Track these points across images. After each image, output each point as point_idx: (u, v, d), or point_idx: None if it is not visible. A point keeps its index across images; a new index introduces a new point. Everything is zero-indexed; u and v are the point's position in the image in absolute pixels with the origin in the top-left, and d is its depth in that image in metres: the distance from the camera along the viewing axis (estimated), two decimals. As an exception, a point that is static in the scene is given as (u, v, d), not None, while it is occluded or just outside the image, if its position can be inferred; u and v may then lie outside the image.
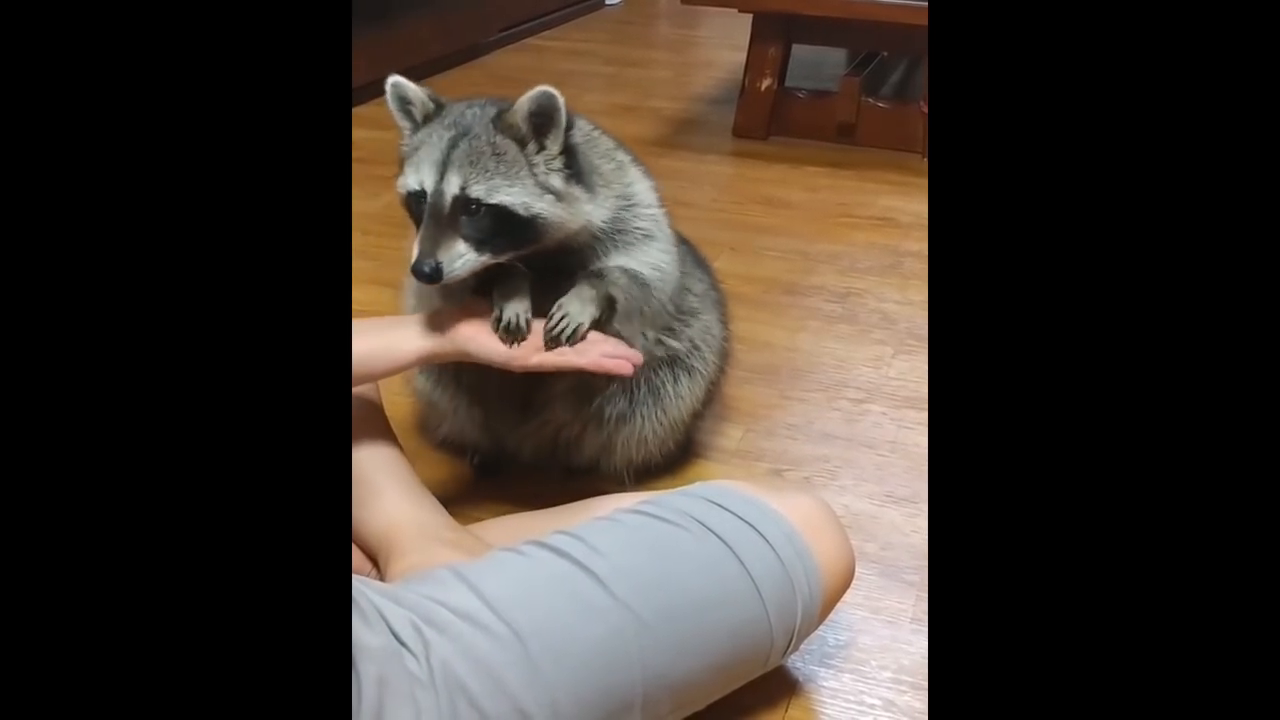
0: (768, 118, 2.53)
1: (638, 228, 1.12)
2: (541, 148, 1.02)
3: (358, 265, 1.57)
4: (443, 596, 0.77)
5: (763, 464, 1.35)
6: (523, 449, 1.27)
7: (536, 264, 1.08)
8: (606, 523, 0.88)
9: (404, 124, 1.06)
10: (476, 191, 0.98)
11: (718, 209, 2.17)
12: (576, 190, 1.04)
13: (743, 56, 2.59)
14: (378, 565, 1.01)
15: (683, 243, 1.28)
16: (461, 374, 1.21)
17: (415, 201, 1.02)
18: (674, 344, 1.22)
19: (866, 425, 1.43)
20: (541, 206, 1.01)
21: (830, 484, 1.30)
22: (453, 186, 0.99)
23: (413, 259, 0.98)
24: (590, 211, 1.06)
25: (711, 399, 1.32)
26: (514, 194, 1.00)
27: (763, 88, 2.51)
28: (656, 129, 2.63)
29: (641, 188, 1.14)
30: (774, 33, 2.47)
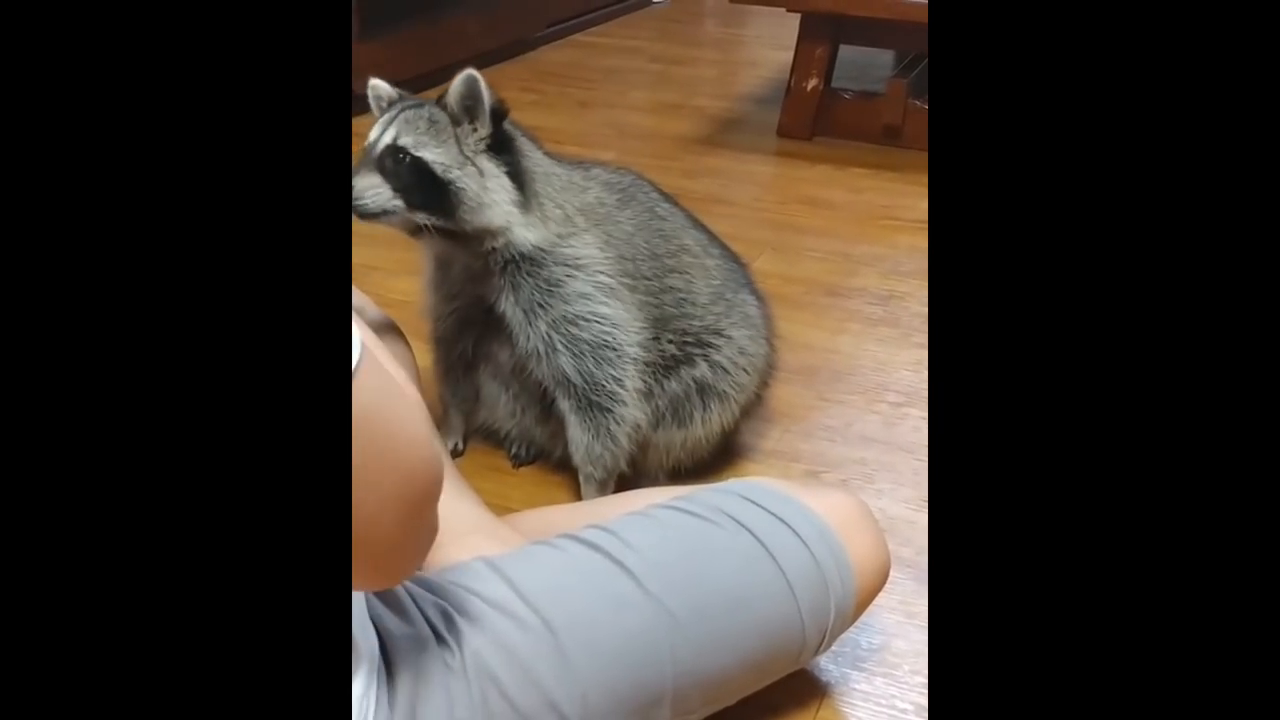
0: (813, 118, 2.51)
1: (574, 288, 1.13)
2: (474, 129, 1.09)
3: (397, 256, 1.58)
4: (476, 586, 0.77)
5: (799, 465, 1.34)
6: (554, 448, 1.28)
7: (476, 320, 1.20)
8: (640, 517, 0.87)
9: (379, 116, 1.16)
10: (405, 141, 1.08)
11: (760, 208, 2.16)
12: (505, 183, 1.10)
13: (789, 56, 2.58)
14: (412, 554, 1.02)
15: (719, 256, 1.28)
16: (475, 364, 1.26)
17: None
18: (699, 372, 1.22)
19: (906, 429, 1.42)
20: (459, 174, 1.08)
21: (867, 487, 1.29)
22: (387, 137, 1.08)
23: None
24: (513, 216, 1.10)
25: (750, 413, 1.32)
26: (437, 153, 1.08)
27: (809, 88, 2.49)
28: (700, 127, 2.63)
29: (588, 252, 1.14)
30: (822, 33, 2.46)
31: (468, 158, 1.08)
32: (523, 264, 1.12)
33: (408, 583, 0.76)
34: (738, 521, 0.86)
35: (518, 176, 1.11)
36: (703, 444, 1.25)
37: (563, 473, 1.29)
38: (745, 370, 1.25)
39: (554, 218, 1.13)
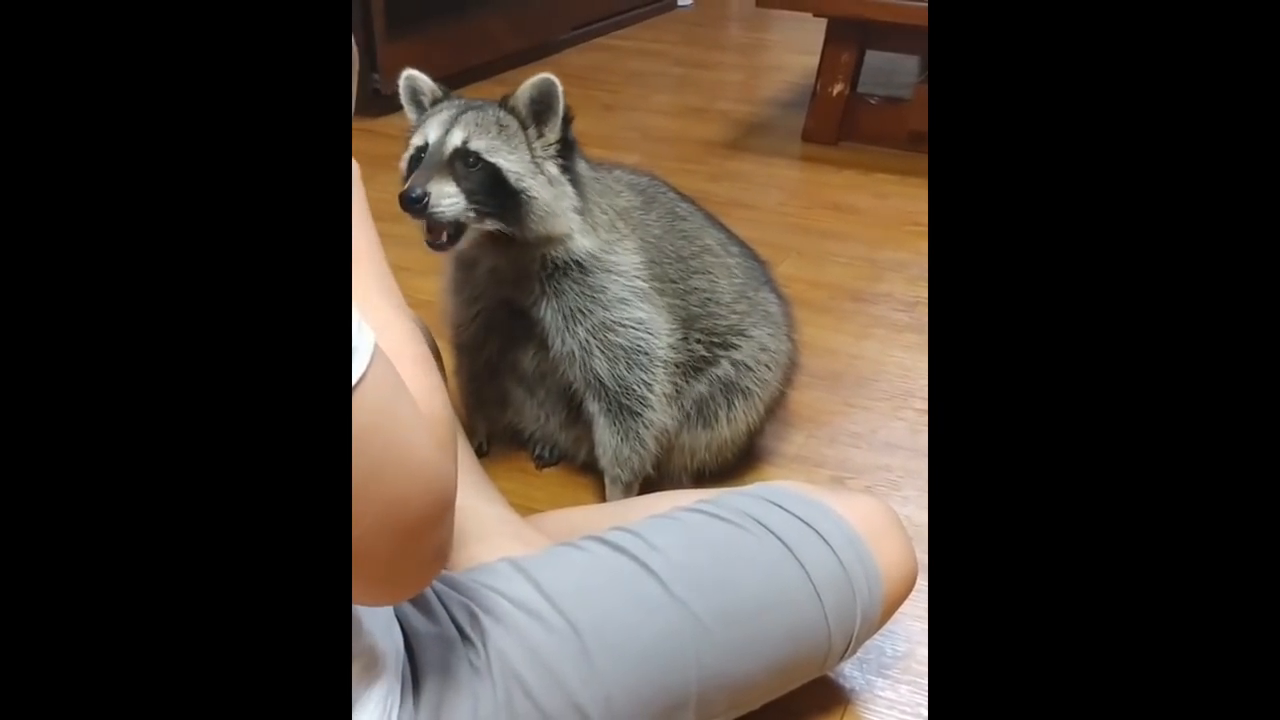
0: (838, 123, 2.50)
1: (614, 294, 1.12)
2: (540, 135, 1.07)
3: (423, 256, 1.58)
4: (501, 587, 0.77)
5: (824, 471, 1.34)
6: (578, 451, 1.27)
7: (501, 324, 1.18)
8: (665, 520, 0.87)
9: (413, 114, 1.12)
10: (477, 145, 1.04)
11: (785, 213, 2.16)
12: (568, 190, 1.08)
13: (814, 61, 2.57)
14: (437, 553, 1.02)
15: (739, 255, 1.27)
16: (500, 369, 1.25)
17: (417, 160, 1.06)
18: (721, 371, 1.21)
19: (931, 436, 1.41)
20: (532, 183, 1.05)
21: (893, 494, 1.28)
22: (455, 139, 1.04)
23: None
24: (576, 224, 1.09)
25: (774, 412, 1.31)
26: (511, 160, 1.05)
27: (834, 93, 2.48)
28: (725, 131, 2.62)
29: (629, 259, 1.14)
30: (848, 38, 2.45)
31: (538, 164, 1.07)
32: (571, 270, 1.11)
33: (434, 582, 0.76)
34: (764, 525, 0.85)
35: (576, 183, 1.10)
36: (728, 445, 1.25)
37: (587, 474, 1.29)
38: (768, 366, 1.24)
39: (602, 224, 1.12)
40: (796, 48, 3.36)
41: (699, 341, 1.18)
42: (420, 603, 0.74)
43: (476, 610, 0.75)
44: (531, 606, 0.75)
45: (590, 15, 3.52)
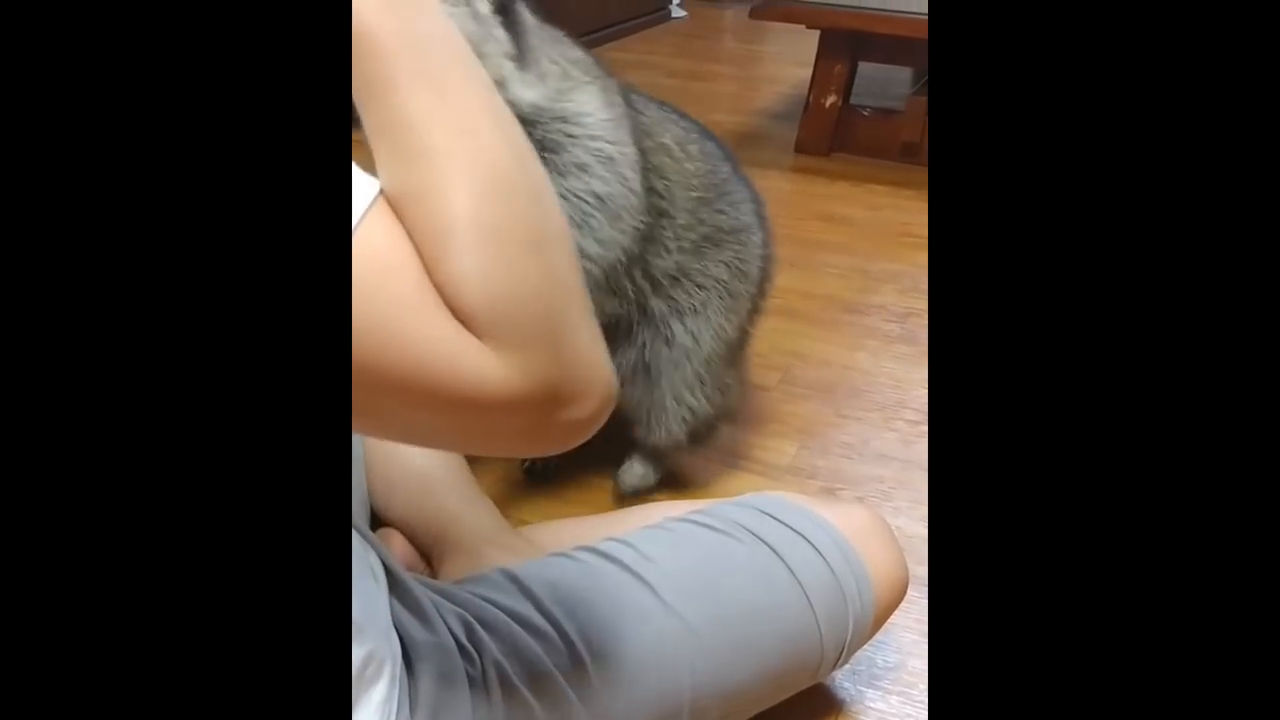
0: (831, 134, 2.52)
1: (571, 157, 0.95)
2: None
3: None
4: (495, 597, 0.78)
5: (816, 482, 1.34)
6: None
7: None
8: (657, 530, 0.88)
9: None
10: None
11: (777, 224, 2.14)
12: (500, 34, 0.90)
13: (807, 72, 2.58)
14: (430, 563, 1.02)
15: (698, 156, 1.20)
16: None
17: None
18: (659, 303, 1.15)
19: (923, 447, 1.41)
20: (450, 8, 0.87)
21: (884, 505, 1.29)
22: None
23: None
24: (509, 71, 0.91)
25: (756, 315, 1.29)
26: None
27: (827, 104, 2.50)
28: (718, 142, 2.63)
29: (590, 108, 0.96)
30: (841, 49, 2.46)
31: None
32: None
33: (429, 592, 0.76)
34: (755, 535, 0.86)
35: (513, 27, 0.92)
36: (704, 364, 1.21)
37: (577, 487, 1.30)
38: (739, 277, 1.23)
39: (551, 74, 0.95)
40: (789, 59, 3.38)
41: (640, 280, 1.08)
42: (418, 612, 0.74)
43: (471, 620, 0.75)
44: (525, 617, 0.76)
45: (584, 27, 3.53)
